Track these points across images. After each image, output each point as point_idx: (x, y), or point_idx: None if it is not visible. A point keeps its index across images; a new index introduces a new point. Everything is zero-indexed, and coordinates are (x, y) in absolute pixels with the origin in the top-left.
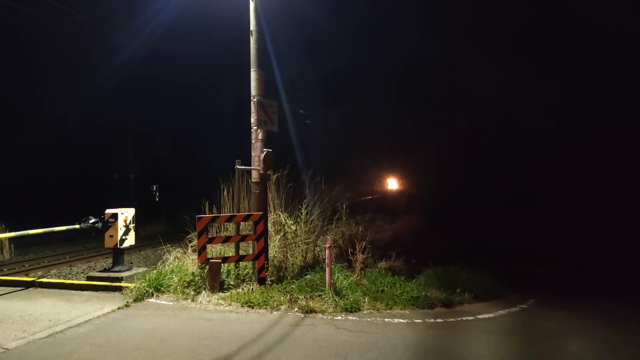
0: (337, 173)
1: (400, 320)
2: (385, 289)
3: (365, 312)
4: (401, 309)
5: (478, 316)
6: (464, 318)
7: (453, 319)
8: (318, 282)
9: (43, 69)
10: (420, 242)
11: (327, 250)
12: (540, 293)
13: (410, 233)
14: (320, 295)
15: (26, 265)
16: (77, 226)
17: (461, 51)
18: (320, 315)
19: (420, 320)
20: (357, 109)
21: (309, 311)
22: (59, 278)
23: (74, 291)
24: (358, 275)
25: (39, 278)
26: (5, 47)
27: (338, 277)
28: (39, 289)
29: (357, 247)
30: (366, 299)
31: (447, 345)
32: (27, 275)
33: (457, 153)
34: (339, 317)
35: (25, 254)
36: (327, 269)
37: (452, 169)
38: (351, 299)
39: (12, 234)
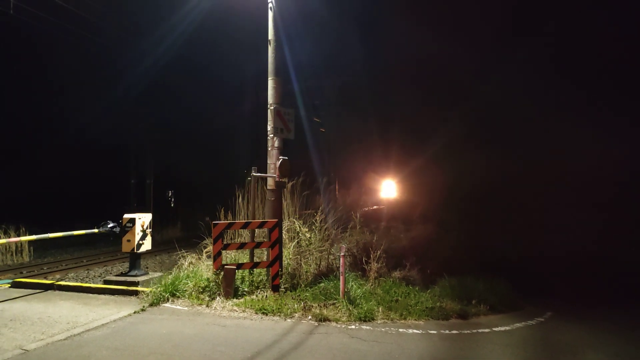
0: (351, 181)
1: (415, 330)
2: (400, 298)
3: (379, 321)
4: (415, 320)
5: (494, 329)
6: (479, 330)
7: (468, 331)
8: (332, 290)
9: (67, 76)
10: (434, 251)
11: (341, 259)
12: (558, 304)
13: (424, 242)
14: (334, 304)
15: (45, 268)
16: (96, 230)
17: (482, 53)
18: (334, 323)
19: (435, 332)
20: (371, 117)
21: (322, 319)
22: (76, 281)
23: (91, 294)
24: (372, 284)
25: (57, 281)
26: (32, 55)
27: (352, 285)
28: (57, 292)
29: (371, 256)
30: (380, 309)
31: (463, 357)
32: (45, 277)
33: (470, 163)
34: (353, 326)
35: (44, 256)
36: (341, 277)
37: (464, 179)
38: (365, 308)
39: (33, 237)
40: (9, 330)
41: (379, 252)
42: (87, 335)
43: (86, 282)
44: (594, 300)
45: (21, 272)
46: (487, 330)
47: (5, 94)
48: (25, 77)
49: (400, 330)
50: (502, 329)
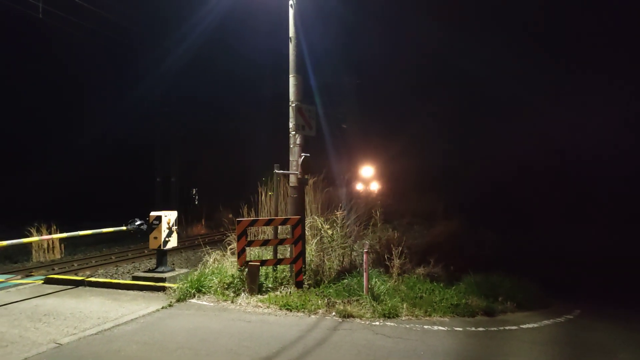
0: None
1: (440, 327)
2: (424, 295)
3: (403, 318)
4: (440, 317)
5: (521, 326)
6: (506, 327)
7: (495, 328)
8: (355, 286)
9: (92, 77)
10: (459, 248)
11: (364, 255)
12: (587, 301)
13: (449, 238)
14: (357, 300)
15: (75, 265)
16: (124, 228)
17: (500, 52)
18: (358, 320)
19: (460, 329)
20: (392, 113)
21: (346, 316)
22: (106, 277)
23: (120, 290)
24: (396, 281)
25: (87, 277)
26: (60, 57)
27: (375, 282)
28: (87, 288)
29: (394, 253)
30: (404, 305)
31: (490, 355)
32: (76, 274)
33: (498, 160)
34: (377, 323)
35: (74, 254)
36: (364, 273)
37: (491, 175)
38: (389, 305)
39: (64, 234)
40: (43, 324)
41: (401, 249)
42: (117, 330)
43: (115, 279)
44: (626, 298)
45: (53, 269)
46: (514, 327)
47: (33, 96)
48: (52, 78)
49: (425, 327)
50: (530, 326)
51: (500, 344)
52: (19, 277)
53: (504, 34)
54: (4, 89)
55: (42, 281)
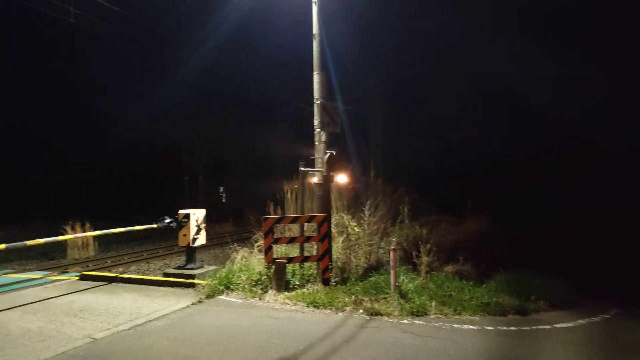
0: (399, 174)
1: (470, 326)
2: (453, 293)
3: (432, 316)
4: (470, 315)
5: (555, 325)
6: (539, 327)
7: (528, 328)
8: (382, 284)
9: (123, 78)
10: (488, 245)
11: (391, 253)
12: (626, 301)
13: (477, 236)
14: (385, 298)
15: (109, 261)
16: (154, 225)
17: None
18: (385, 318)
19: (492, 328)
20: (416, 108)
21: (374, 313)
22: (137, 274)
23: (151, 286)
24: (424, 279)
25: (120, 274)
26: (90, 58)
27: (403, 280)
28: (120, 284)
29: (421, 250)
30: (433, 304)
31: (522, 354)
32: (109, 270)
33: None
34: (405, 321)
35: (107, 251)
36: (391, 271)
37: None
38: (417, 303)
39: (98, 232)
40: (78, 320)
41: (429, 246)
42: (149, 326)
43: (147, 275)
44: None
45: (87, 265)
46: (547, 327)
47: (64, 96)
48: (81, 78)
49: (455, 325)
50: (564, 325)
51: (533, 344)
52: (56, 273)
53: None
54: (35, 90)
55: (78, 277)
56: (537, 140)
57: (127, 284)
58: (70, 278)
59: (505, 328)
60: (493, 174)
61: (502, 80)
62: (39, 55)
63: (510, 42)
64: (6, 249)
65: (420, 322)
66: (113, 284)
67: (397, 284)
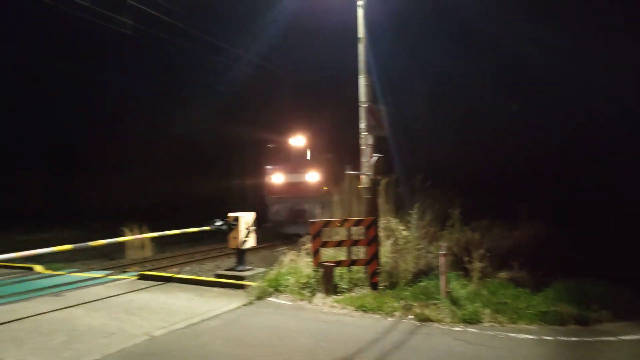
0: (447, 177)
1: (527, 335)
2: (508, 301)
3: (486, 324)
4: (527, 324)
5: (621, 337)
6: (603, 338)
7: (590, 339)
8: (432, 290)
9: (175, 84)
10: (545, 250)
11: (441, 258)
12: None
13: (533, 241)
14: (435, 304)
15: (164, 262)
16: (207, 228)
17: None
18: (436, 324)
19: (550, 338)
20: (465, 109)
21: (424, 319)
22: (191, 274)
23: (204, 287)
24: (476, 285)
25: (175, 274)
26: (144, 67)
27: (454, 285)
28: (175, 284)
29: (474, 255)
30: (487, 311)
31: None
32: (165, 271)
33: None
34: (458, 328)
35: (163, 251)
36: (441, 276)
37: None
38: (470, 310)
39: (154, 234)
40: (137, 317)
41: (482, 251)
42: (203, 325)
43: (199, 276)
44: None
45: (144, 266)
46: (612, 338)
47: (114, 101)
48: (134, 85)
49: (511, 334)
50: (631, 337)
51: (596, 356)
52: (116, 273)
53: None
54: (90, 98)
55: (136, 277)
56: (602, 137)
57: (182, 284)
58: (130, 277)
59: (565, 338)
60: (550, 175)
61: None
62: (97, 65)
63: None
64: (73, 249)
65: (473, 330)
66: (169, 283)
67: (448, 289)
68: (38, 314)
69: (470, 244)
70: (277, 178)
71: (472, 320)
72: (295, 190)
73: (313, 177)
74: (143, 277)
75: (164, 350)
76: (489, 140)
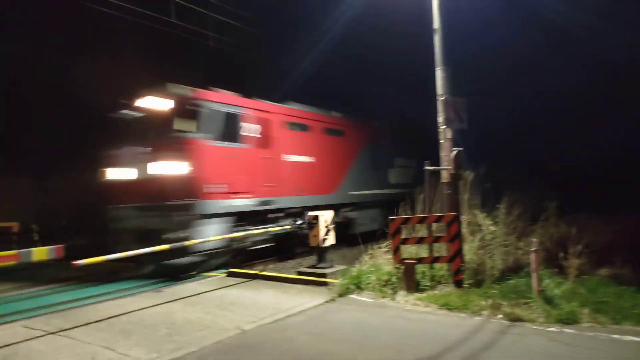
0: (537, 169)
1: (634, 338)
2: (610, 300)
3: (584, 325)
4: (633, 325)
5: None
6: None
7: None
8: (523, 288)
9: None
10: None
11: (532, 254)
12: None
13: (637, 235)
14: (527, 303)
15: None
16: (288, 227)
17: None
18: (528, 324)
19: None
20: (548, 96)
21: (515, 319)
22: (275, 272)
23: (287, 284)
24: (572, 283)
25: (260, 271)
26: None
27: (548, 283)
28: (261, 281)
29: (570, 251)
30: (585, 311)
31: None
32: (251, 268)
33: None
34: (553, 329)
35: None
36: (533, 274)
37: None
38: (566, 309)
39: (240, 234)
40: (229, 312)
41: (579, 247)
42: (289, 320)
43: (282, 273)
44: None
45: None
46: None
47: None
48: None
49: (613, 336)
50: None
51: None
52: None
53: None
54: None
55: (225, 274)
56: None
57: (267, 281)
58: (219, 274)
59: None
60: None
61: None
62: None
63: None
64: (170, 249)
65: (570, 331)
66: (255, 280)
67: (541, 288)
68: (142, 309)
69: (566, 239)
70: (115, 173)
71: (568, 320)
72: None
73: (176, 168)
74: (231, 274)
75: (255, 342)
76: (583, 130)
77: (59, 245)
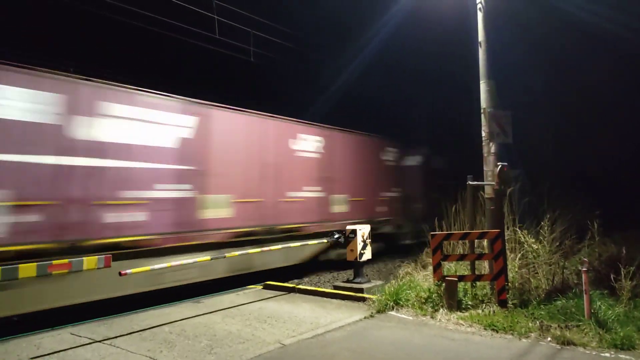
0: (581, 184)
1: None
2: None
3: None
4: None
5: None
6: None
7: None
8: (573, 309)
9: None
10: None
11: (583, 275)
12: None
13: None
14: (578, 326)
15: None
16: (325, 240)
17: None
18: (580, 348)
19: None
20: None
21: (565, 342)
22: (310, 285)
23: (324, 298)
24: (626, 305)
25: (297, 285)
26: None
27: (599, 305)
28: (298, 295)
29: (622, 272)
30: None
31: None
32: (288, 281)
33: None
34: (607, 354)
35: None
36: (584, 295)
37: None
38: (621, 334)
39: (279, 246)
40: (268, 325)
41: (633, 268)
42: (329, 336)
43: (318, 286)
44: None
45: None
46: None
47: None
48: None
49: None
50: None
51: None
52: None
53: None
54: None
55: (261, 287)
56: None
57: (304, 295)
58: (256, 287)
59: None
60: None
61: None
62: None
63: None
64: (210, 260)
65: (626, 357)
66: (291, 293)
67: (592, 310)
68: (183, 319)
69: (616, 259)
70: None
71: (624, 345)
72: None
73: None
74: (267, 287)
75: (296, 358)
76: (631, 142)
77: (107, 255)
